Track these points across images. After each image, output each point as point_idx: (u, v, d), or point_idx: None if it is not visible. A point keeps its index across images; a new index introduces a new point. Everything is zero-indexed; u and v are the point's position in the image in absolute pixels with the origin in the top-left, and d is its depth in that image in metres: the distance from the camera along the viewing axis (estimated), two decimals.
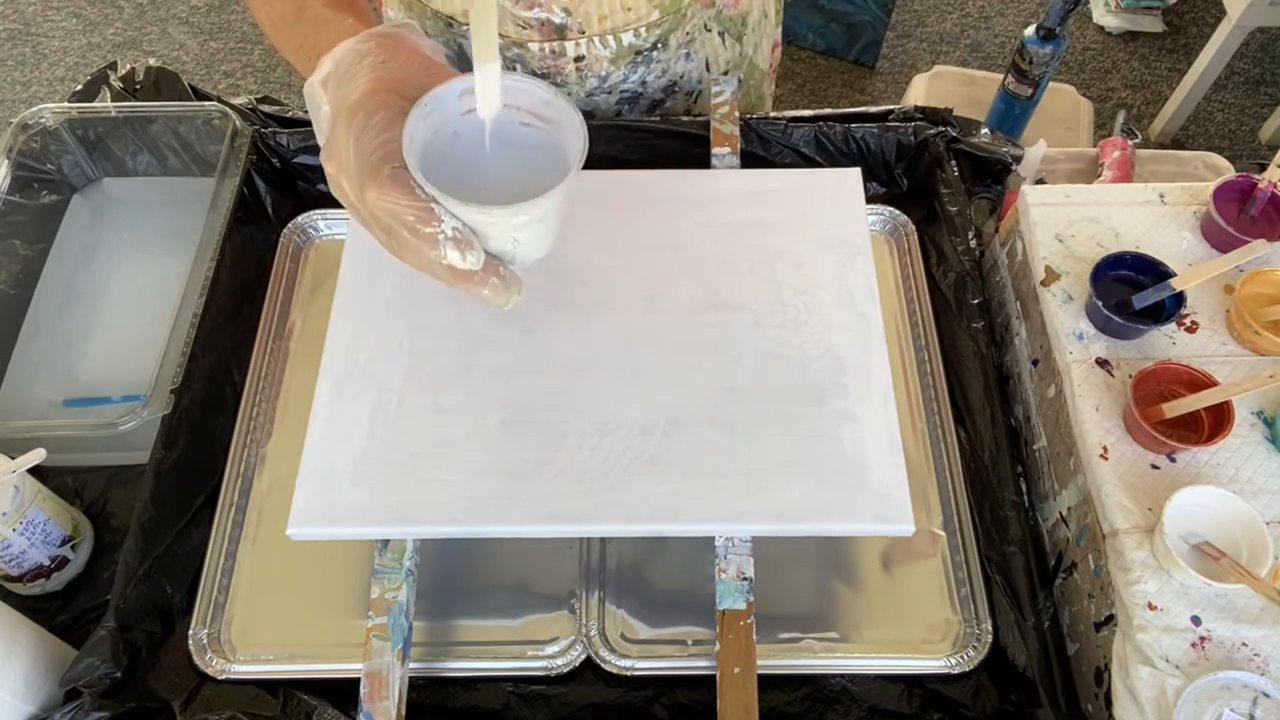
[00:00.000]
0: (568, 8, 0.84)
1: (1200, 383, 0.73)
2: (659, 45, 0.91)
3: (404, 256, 0.53)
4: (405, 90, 0.52)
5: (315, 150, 0.97)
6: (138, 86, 1.03)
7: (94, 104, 0.99)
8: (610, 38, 0.88)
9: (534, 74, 0.91)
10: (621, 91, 0.95)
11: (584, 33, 0.87)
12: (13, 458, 0.72)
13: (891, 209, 0.96)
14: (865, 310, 0.77)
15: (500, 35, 0.87)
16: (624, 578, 0.78)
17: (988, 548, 0.78)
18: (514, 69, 0.91)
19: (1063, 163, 1.20)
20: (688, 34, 0.93)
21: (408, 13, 0.94)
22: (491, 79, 0.49)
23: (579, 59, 0.89)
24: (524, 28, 0.86)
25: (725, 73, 1.00)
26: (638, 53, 0.91)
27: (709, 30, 0.95)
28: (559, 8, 0.84)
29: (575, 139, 0.52)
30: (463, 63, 0.93)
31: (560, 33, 0.86)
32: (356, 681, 0.68)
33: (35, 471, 0.74)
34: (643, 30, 0.88)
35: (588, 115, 0.97)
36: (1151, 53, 2.39)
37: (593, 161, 0.98)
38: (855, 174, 0.85)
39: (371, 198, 0.49)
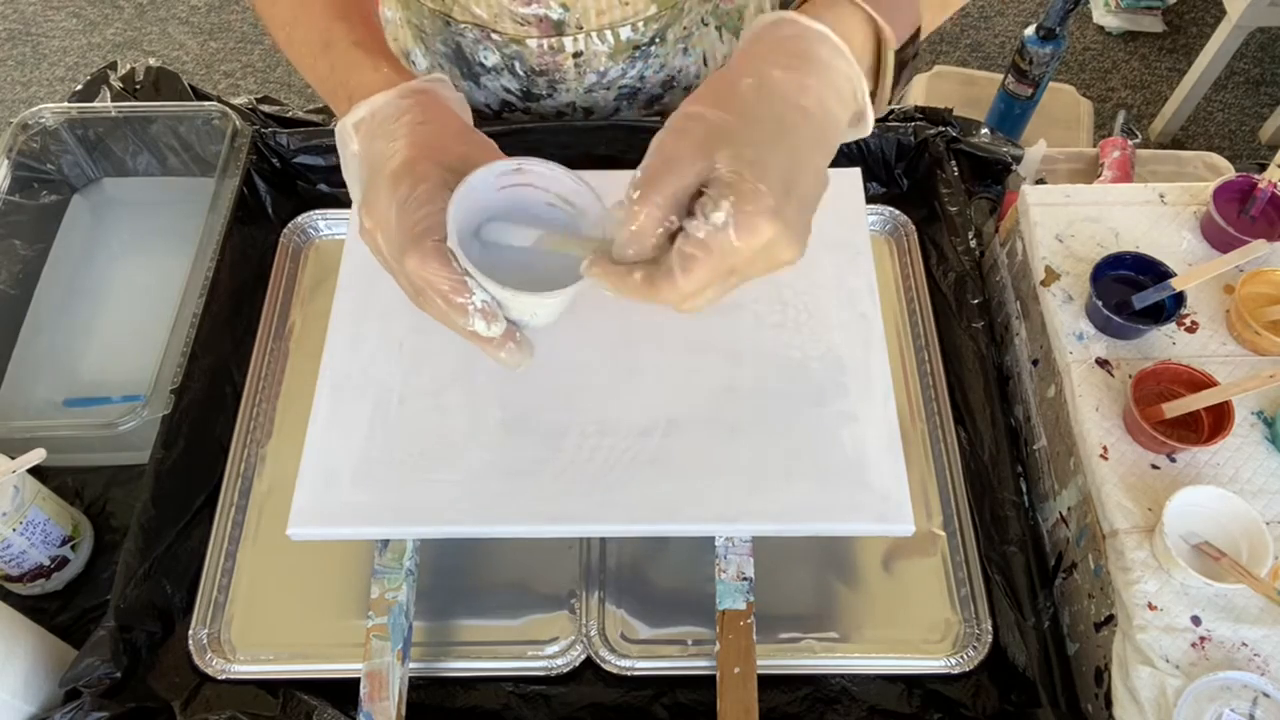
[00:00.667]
0: (565, 4, 0.84)
1: (1200, 383, 0.73)
2: (656, 40, 0.91)
3: (426, 310, 0.56)
4: (444, 159, 0.56)
5: (315, 150, 0.97)
6: (138, 86, 1.03)
7: (94, 104, 0.99)
8: (608, 33, 0.88)
9: (532, 70, 0.91)
10: (620, 87, 0.95)
11: (582, 28, 0.87)
12: (13, 458, 0.72)
13: (891, 209, 0.96)
14: (865, 310, 0.77)
15: (498, 32, 0.87)
16: (624, 578, 0.78)
17: (988, 548, 0.78)
18: (512, 65, 0.91)
19: (1063, 163, 1.20)
20: (685, 28, 0.92)
21: (404, 9, 0.94)
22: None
23: (577, 54, 0.89)
24: (522, 24, 0.86)
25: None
26: (635, 47, 0.91)
27: (706, 25, 0.95)
28: (556, 4, 0.84)
29: (597, 229, 0.56)
30: (458, 62, 0.93)
31: (558, 28, 0.86)
32: (356, 681, 0.68)
33: (35, 471, 0.74)
34: (640, 25, 0.88)
35: (586, 112, 0.97)
36: (1151, 53, 2.39)
37: (593, 162, 0.98)
38: (855, 174, 0.85)
39: (412, 266, 0.53)
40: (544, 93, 0.94)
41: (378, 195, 0.55)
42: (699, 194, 0.50)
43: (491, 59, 0.91)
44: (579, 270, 0.52)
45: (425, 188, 0.54)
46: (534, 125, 0.97)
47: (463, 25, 0.89)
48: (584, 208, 0.57)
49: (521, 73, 0.92)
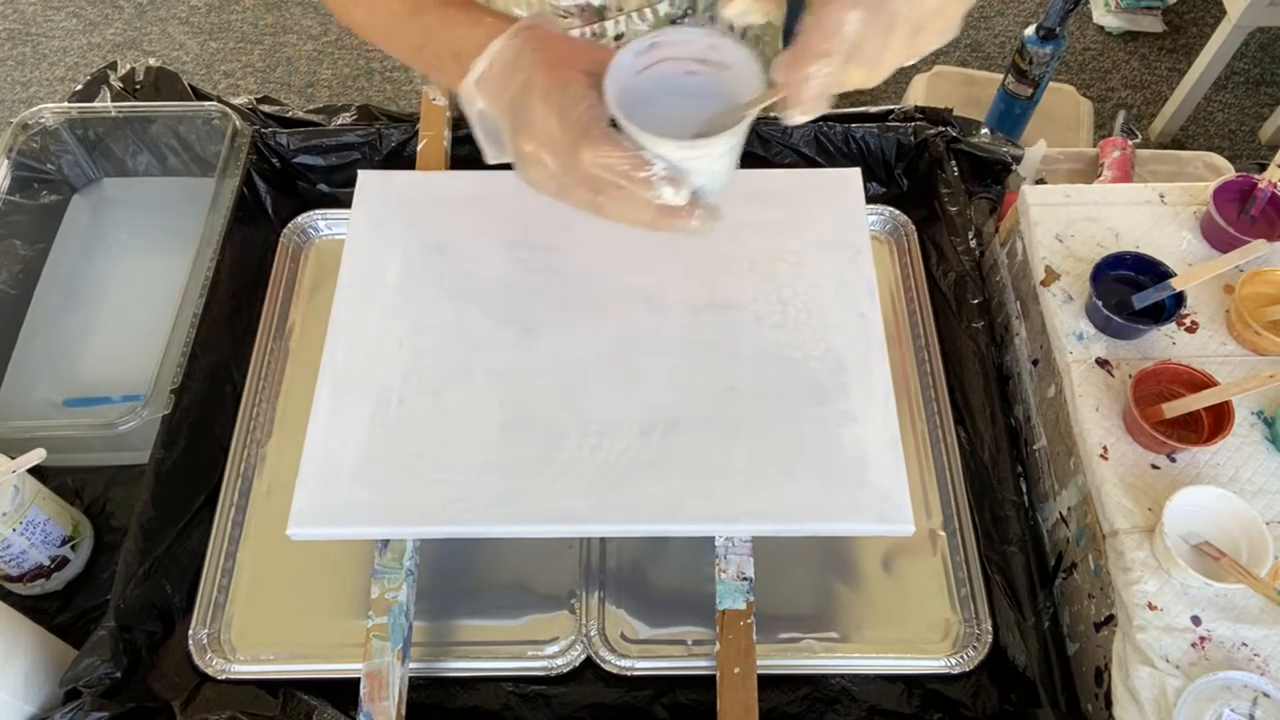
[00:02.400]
0: None
1: (1200, 383, 0.73)
2: (689, 11, 0.91)
3: (611, 211, 0.57)
4: (578, 64, 0.57)
5: (315, 150, 0.97)
6: (138, 86, 1.03)
7: (94, 104, 0.99)
8: (648, 10, 0.88)
9: None
10: None
11: (622, 10, 0.87)
12: (13, 458, 0.72)
13: (891, 209, 0.96)
14: (865, 310, 0.77)
15: None
16: (624, 578, 0.78)
17: (988, 548, 0.78)
18: None
19: (1063, 163, 1.20)
20: None
21: None
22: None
23: (619, 37, 0.90)
24: (564, 16, 0.86)
25: (744, 33, 0.98)
26: (672, 21, 0.91)
27: None
28: None
29: (749, 72, 0.56)
30: None
31: (600, 14, 0.87)
32: (356, 681, 0.68)
33: (35, 471, 0.74)
34: None
35: None
36: (1151, 53, 2.39)
37: None
38: (855, 174, 0.85)
39: (588, 157, 0.54)
40: None
41: (531, 117, 0.56)
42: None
43: None
44: (762, 80, 0.54)
45: (575, 89, 0.55)
46: None
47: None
48: (724, 61, 0.58)
49: None
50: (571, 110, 0.54)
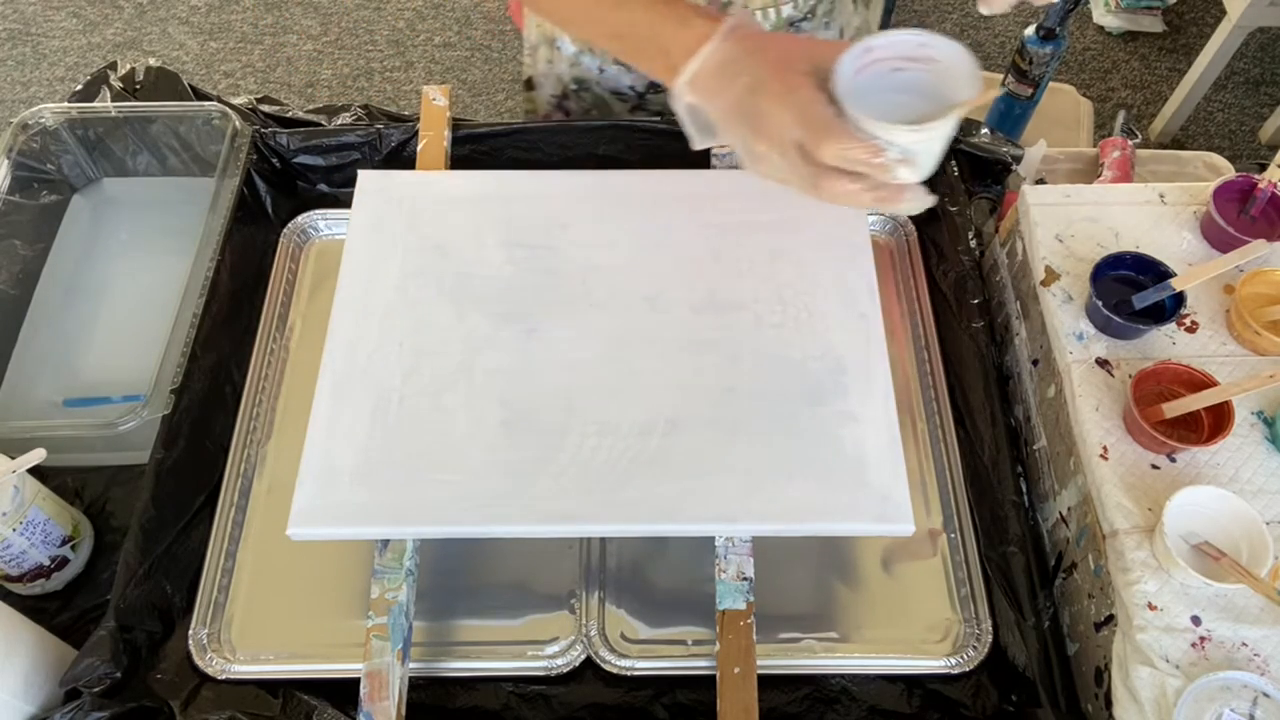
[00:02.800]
0: None
1: (1200, 383, 0.73)
2: (809, 15, 0.93)
3: (837, 195, 0.63)
4: (800, 67, 0.62)
5: (315, 150, 0.97)
6: (138, 86, 1.03)
7: (94, 104, 0.99)
8: (771, 10, 0.90)
9: None
10: None
11: (747, 6, 0.88)
12: (13, 458, 0.72)
13: None
14: (865, 310, 0.77)
15: None
16: (624, 578, 0.78)
17: (988, 548, 0.78)
18: None
19: (1063, 163, 1.20)
20: (830, 2, 0.94)
21: None
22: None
23: None
24: None
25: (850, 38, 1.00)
26: (791, 24, 0.92)
27: None
28: None
29: (961, 62, 0.63)
30: None
31: (724, 8, 0.87)
32: (356, 681, 0.68)
33: (35, 471, 0.74)
34: (800, 1, 0.90)
35: None
36: (1151, 53, 2.39)
37: (593, 161, 0.98)
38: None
39: (831, 150, 0.60)
40: None
41: (765, 119, 0.62)
42: None
43: None
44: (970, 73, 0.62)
45: (805, 91, 0.61)
46: (533, 125, 0.97)
47: None
48: (934, 56, 0.64)
49: None
50: (809, 110, 0.60)
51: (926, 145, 0.63)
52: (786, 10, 0.91)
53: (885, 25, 2.33)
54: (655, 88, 0.99)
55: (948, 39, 0.63)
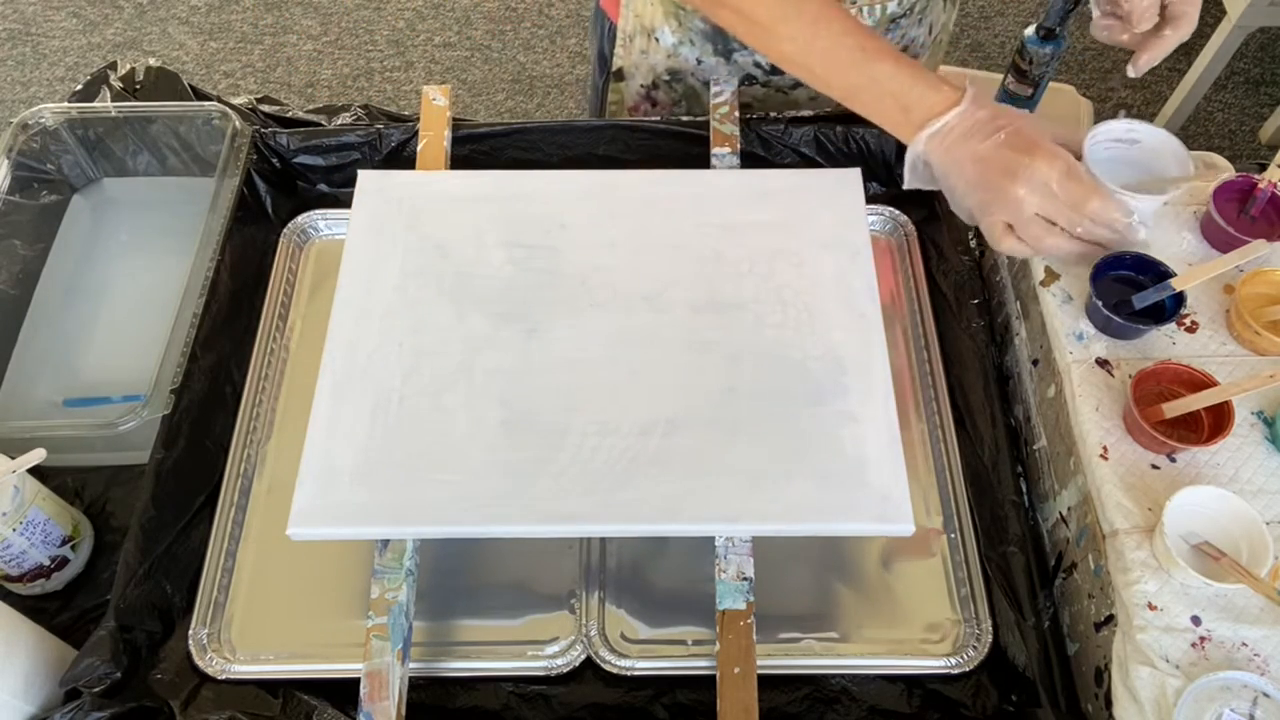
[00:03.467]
0: None
1: (1200, 383, 0.73)
2: (909, 11, 0.95)
3: (1061, 249, 0.76)
4: (1048, 148, 0.73)
5: (315, 150, 0.97)
6: (138, 86, 1.03)
7: (94, 104, 0.99)
8: (877, 6, 0.91)
9: None
10: None
11: (854, 2, 0.90)
12: (13, 458, 0.72)
13: (891, 209, 0.96)
14: (865, 310, 0.77)
15: None
16: (624, 578, 0.78)
17: (988, 548, 0.78)
18: None
19: None
20: (926, 1, 0.97)
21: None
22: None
23: None
24: None
25: (936, 37, 1.03)
26: (893, 20, 0.94)
27: None
28: None
29: (1165, 144, 0.81)
30: (713, 39, 0.97)
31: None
32: (356, 681, 0.68)
33: (35, 471, 0.74)
34: None
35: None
36: None
37: (593, 161, 0.98)
38: (855, 174, 0.85)
39: (1095, 207, 0.73)
40: None
41: (1040, 182, 0.72)
42: None
43: None
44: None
45: (1062, 163, 0.72)
46: (533, 125, 0.97)
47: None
48: (1135, 138, 0.82)
49: None
50: (1071, 180, 0.72)
51: (1150, 210, 0.79)
52: (891, 7, 0.93)
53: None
54: (750, 79, 1.01)
55: (1152, 126, 0.82)
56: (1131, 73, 0.80)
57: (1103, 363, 0.77)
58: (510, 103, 2.28)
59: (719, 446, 0.71)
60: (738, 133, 0.92)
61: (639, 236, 0.81)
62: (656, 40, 0.99)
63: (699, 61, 1.00)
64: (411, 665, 0.72)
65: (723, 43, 0.96)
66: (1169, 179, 0.80)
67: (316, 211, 0.96)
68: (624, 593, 0.78)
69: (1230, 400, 0.71)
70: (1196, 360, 0.76)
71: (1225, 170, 1.20)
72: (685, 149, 0.96)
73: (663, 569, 0.79)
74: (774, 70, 0.98)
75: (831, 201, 0.83)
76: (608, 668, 0.74)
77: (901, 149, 0.97)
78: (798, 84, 1.00)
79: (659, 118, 0.98)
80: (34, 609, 0.76)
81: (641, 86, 1.05)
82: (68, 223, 1.01)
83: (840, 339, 0.75)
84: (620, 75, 1.06)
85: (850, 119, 0.98)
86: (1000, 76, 1.80)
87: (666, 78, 1.03)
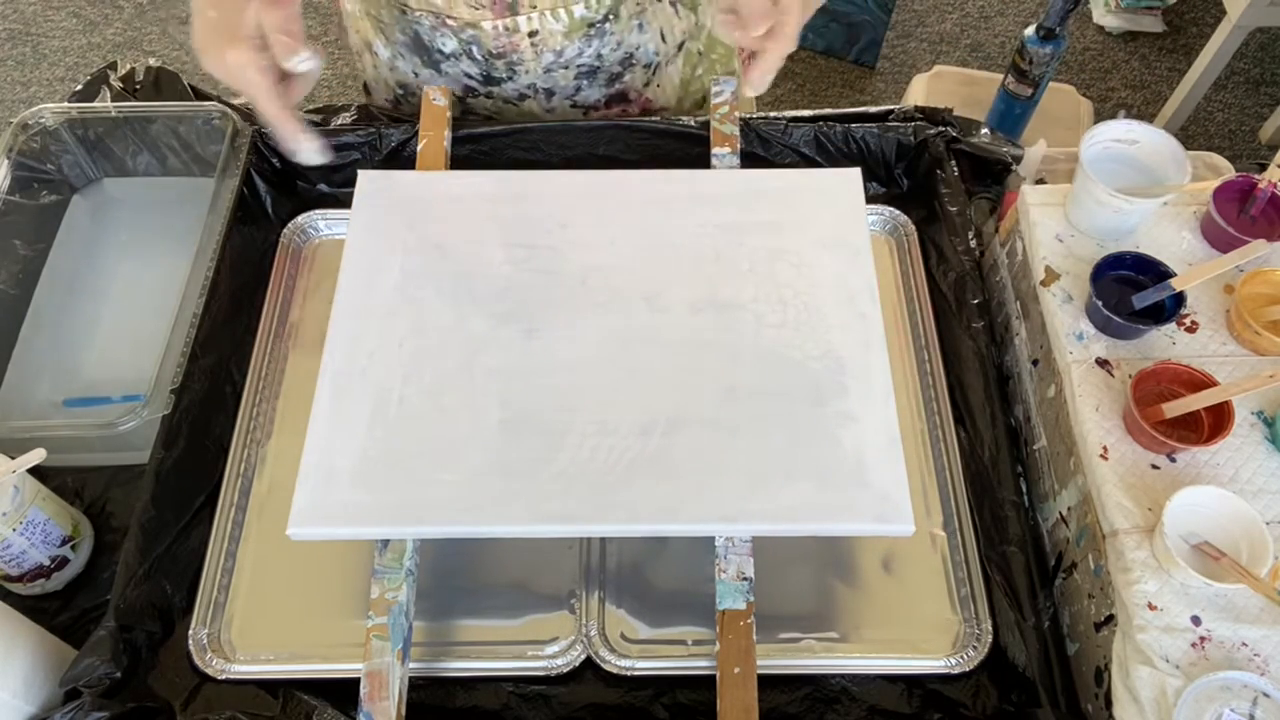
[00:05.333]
0: None
1: (1200, 383, 0.73)
2: (610, 17, 0.92)
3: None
4: None
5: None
6: (138, 86, 1.03)
7: (94, 104, 0.99)
8: (562, 11, 0.89)
9: (489, 54, 0.92)
10: (578, 66, 0.96)
11: (535, 6, 0.88)
12: (13, 458, 0.72)
13: (891, 209, 0.96)
14: (865, 310, 0.77)
15: (451, 18, 0.89)
16: (624, 578, 0.78)
17: (988, 548, 0.78)
18: (470, 50, 0.92)
19: (1063, 163, 1.20)
20: (639, 5, 0.93)
21: (362, 1, 0.95)
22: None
23: (533, 34, 0.90)
24: (476, 8, 0.87)
25: (681, 45, 1.00)
26: (590, 25, 0.92)
27: (660, 0, 0.95)
28: None
29: (1161, 143, 0.82)
30: (418, 50, 0.94)
31: (512, 8, 0.87)
32: (356, 681, 0.68)
33: (35, 471, 0.74)
34: (593, 2, 0.89)
35: (547, 93, 0.98)
36: (1151, 53, 2.39)
37: (593, 161, 0.98)
38: (855, 174, 0.85)
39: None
40: (504, 75, 0.95)
41: None
42: None
43: (449, 45, 0.92)
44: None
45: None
46: (533, 125, 0.97)
47: (418, 13, 0.90)
48: (1134, 138, 0.83)
49: (480, 57, 0.93)
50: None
51: (1152, 209, 0.81)
52: (579, 10, 0.90)
53: (886, 25, 2.34)
54: (472, 92, 0.98)
55: (1148, 126, 0.83)
56: (748, 92, 0.68)
57: (1103, 363, 0.77)
58: None
59: (719, 446, 0.71)
60: (738, 133, 0.92)
61: (639, 236, 0.81)
62: (376, 54, 0.99)
63: (415, 74, 0.99)
64: (411, 665, 0.72)
65: (427, 54, 0.95)
66: (1165, 185, 0.81)
67: (316, 211, 0.96)
68: (624, 593, 0.78)
69: (1230, 400, 0.71)
70: (1196, 360, 0.76)
71: (1225, 170, 1.20)
72: (685, 149, 0.96)
73: (663, 569, 0.79)
74: (489, 80, 0.96)
75: (831, 201, 0.83)
76: (608, 668, 0.74)
77: (902, 149, 0.97)
78: (524, 95, 0.98)
79: (659, 117, 0.98)
80: (34, 609, 0.76)
81: (385, 101, 1.05)
82: (68, 223, 1.01)
83: (840, 339, 0.75)
84: (367, 90, 1.07)
85: (850, 119, 0.98)
86: (1000, 76, 1.80)
87: (400, 91, 1.02)
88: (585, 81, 0.98)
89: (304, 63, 0.64)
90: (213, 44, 0.63)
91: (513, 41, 0.91)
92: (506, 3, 0.87)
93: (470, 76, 0.96)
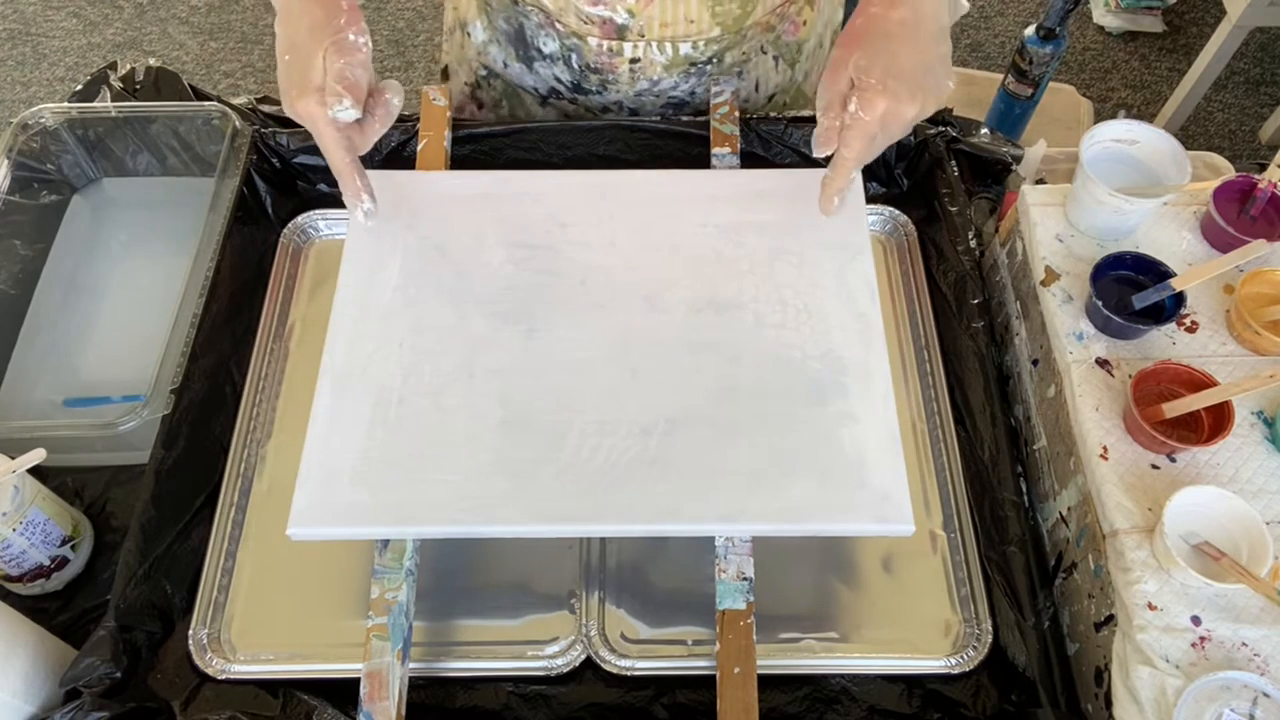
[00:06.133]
0: (632, 10, 0.85)
1: (1200, 383, 0.73)
2: (714, 60, 0.92)
3: None
4: None
5: (315, 150, 0.96)
6: (138, 86, 1.03)
7: (94, 104, 0.99)
8: (669, 45, 0.89)
9: (587, 67, 0.93)
10: (669, 97, 0.96)
11: (643, 36, 0.88)
12: (13, 458, 0.72)
13: (891, 209, 0.96)
14: (865, 310, 0.77)
15: (561, 24, 0.89)
16: (624, 578, 0.78)
17: (988, 548, 0.78)
18: (569, 57, 0.93)
19: (1063, 163, 1.20)
20: (744, 54, 0.94)
21: None
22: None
23: (634, 60, 0.90)
24: (586, 22, 0.87)
25: (771, 97, 1.01)
26: (692, 64, 0.92)
27: (765, 53, 0.96)
28: (623, 9, 0.85)
29: (1161, 143, 0.82)
30: (516, 43, 0.95)
31: (620, 33, 0.87)
32: (356, 681, 0.68)
33: (35, 471, 0.74)
34: (701, 44, 0.90)
35: (631, 112, 0.98)
36: (1151, 53, 2.39)
37: (593, 161, 0.98)
38: (855, 174, 0.85)
39: None
40: (594, 89, 0.95)
41: None
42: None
43: (550, 46, 0.92)
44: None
45: None
46: (533, 125, 0.97)
47: (529, 8, 0.90)
48: (1134, 137, 0.83)
49: (576, 66, 0.93)
50: None
51: (1151, 209, 0.81)
52: (685, 49, 0.90)
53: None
54: (556, 94, 0.99)
55: (1149, 126, 0.83)
56: (825, 212, 0.76)
57: (1103, 363, 0.77)
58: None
59: (719, 446, 0.71)
60: (738, 133, 0.92)
61: (639, 236, 0.81)
62: (469, 35, 0.99)
63: (505, 64, 0.99)
64: (411, 665, 0.72)
65: (524, 49, 0.95)
66: (1165, 185, 0.81)
67: (316, 211, 0.96)
68: (624, 593, 0.78)
69: (1230, 400, 0.71)
70: (1196, 360, 0.76)
71: (1225, 170, 1.20)
72: (685, 149, 0.96)
73: (663, 569, 0.79)
74: (579, 89, 0.97)
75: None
76: (608, 668, 0.74)
77: (902, 149, 0.97)
78: (608, 109, 0.99)
79: (659, 117, 0.98)
80: (34, 609, 0.76)
81: (466, 84, 1.04)
82: (68, 223, 1.01)
83: (840, 339, 0.75)
84: (446, 74, 1.06)
85: None
86: (1000, 76, 1.80)
87: (483, 73, 1.02)
88: (670, 110, 0.99)
89: (343, 112, 0.65)
90: (287, 91, 0.66)
91: (613, 62, 0.91)
92: (616, 25, 0.87)
93: (560, 81, 0.96)
